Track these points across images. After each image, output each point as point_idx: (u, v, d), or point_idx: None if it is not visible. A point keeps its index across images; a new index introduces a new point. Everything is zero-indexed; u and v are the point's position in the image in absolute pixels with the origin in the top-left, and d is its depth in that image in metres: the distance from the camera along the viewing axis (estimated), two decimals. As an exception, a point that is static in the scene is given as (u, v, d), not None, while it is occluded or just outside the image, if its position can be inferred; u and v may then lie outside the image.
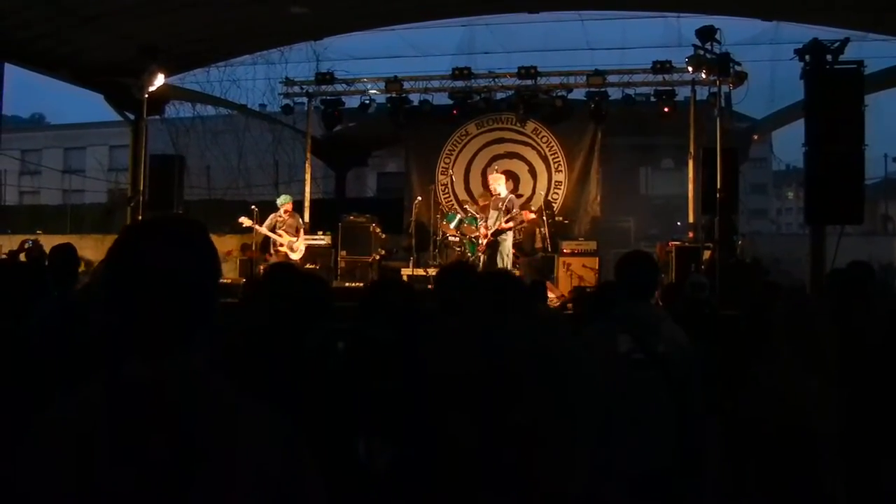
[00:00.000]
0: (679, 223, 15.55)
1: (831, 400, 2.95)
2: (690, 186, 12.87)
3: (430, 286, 7.01)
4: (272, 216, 11.07)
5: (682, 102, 13.29)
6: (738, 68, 11.02)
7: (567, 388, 2.37)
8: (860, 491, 3.15)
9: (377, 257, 12.33)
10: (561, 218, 12.86)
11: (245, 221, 10.81)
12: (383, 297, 3.11)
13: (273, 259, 11.03)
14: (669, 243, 11.47)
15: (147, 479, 1.18)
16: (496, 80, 13.65)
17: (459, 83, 13.53)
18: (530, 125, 13.84)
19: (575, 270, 11.31)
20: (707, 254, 10.43)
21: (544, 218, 11.68)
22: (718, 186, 9.47)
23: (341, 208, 14.11)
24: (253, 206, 11.38)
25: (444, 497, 2.22)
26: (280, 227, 11.00)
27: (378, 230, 12.59)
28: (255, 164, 20.05)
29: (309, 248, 11.52)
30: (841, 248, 7.99)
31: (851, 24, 10.42)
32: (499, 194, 10.67)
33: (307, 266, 10.88)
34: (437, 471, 2.26)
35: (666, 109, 12.89)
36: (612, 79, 13.00)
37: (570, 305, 6.72)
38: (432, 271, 10.42)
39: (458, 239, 11.44)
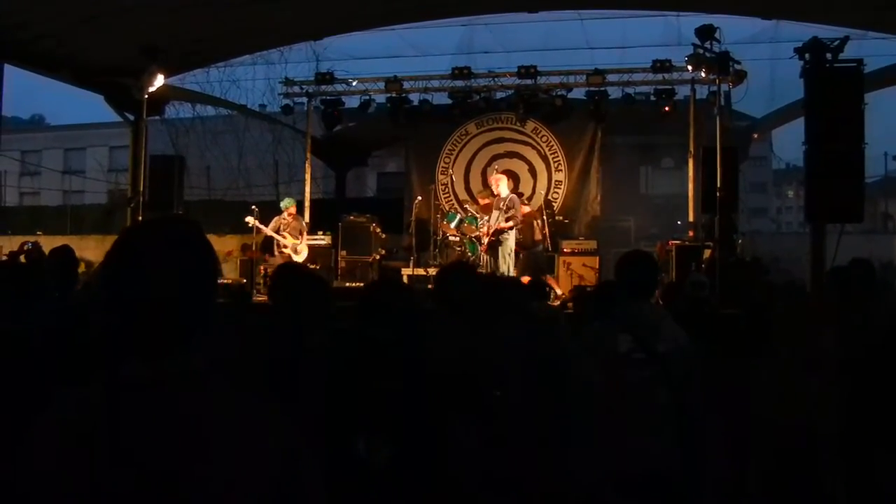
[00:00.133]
0: (679, 222, 15.54)
1: (831, 400, 2.95)
2: (690, 185, 12.87)
3: (430, 286, 7.02)
4: (276, 219, 11.17)
5: (682, 101, 13.29)
6: (737, 67, 11.02)
7: (566, 388, 2.37)
8: (860, 491, 3.15)
9: (377, 257, 12.34)
10: (561, 217, 12.85)
11: (251, 221, 10.87)
12: (383, 297, 3.11)
13: (277, 260, 11.11)
14: (669, 242, 11.46)
15: (147, 479, 1.18)
16: (496, 79, 13.64)
17: (459, 83, 13.52)
18: (530, 124, 13.84)
19: (575, 270, 11.31)
20: (707, 253, 10.44)
21: (544, 217, 11.68)
22: (718, 185, 9.48)
23: (341, 208, 14.11)
24: (253, 207, 11.41)
25: (444, 497, 2.23)
26: (284, 230, 11.10)
27: (378, 230, 12.60)
28: (255, 164, 20.05)
29: (310, 249, 11.56)
30: (841, 246, 7.98)
31: (851, 23, 10.40)
32: (500, 195, 10.69)
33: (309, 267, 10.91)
34: (437, 470, 2.26)
35: (666, 108, 12.88)
36: (611, 78, 12.99)
37: (570, 305, 6.72)
38: (432, 271, 10.43)
39: (458, 239, 11.44)
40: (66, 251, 4.42)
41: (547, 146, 13.79)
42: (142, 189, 11.66)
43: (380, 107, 14.35)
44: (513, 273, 9.89)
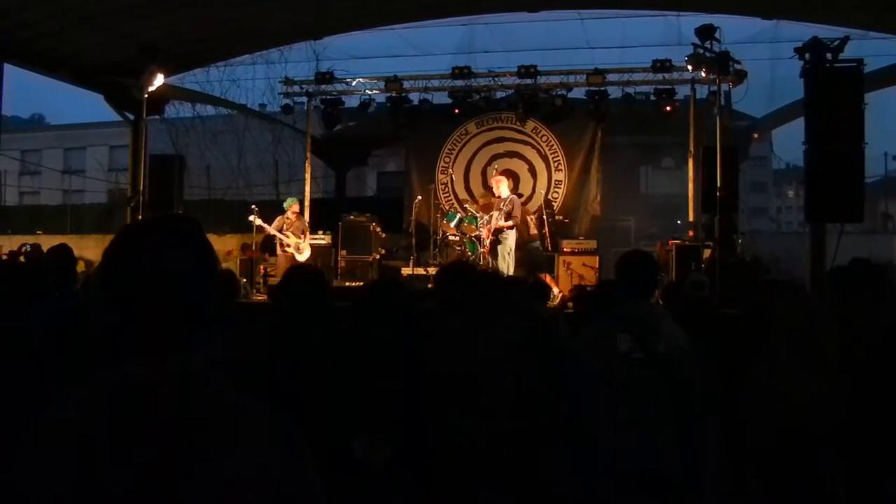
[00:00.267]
0: (679, 222, 15.56)
1: (831, 400, 2.94)
2: (690, 185, 12.87)
3: (430, 286, 7.01)
4: (279, 218, 11.18)
5: (682, 101, 13.29)
6: (737, 67, 11.03)
7: (566, 388, 2.37)
8: (860, 491, 3.15)
9: (377, 257, 12.34)
10: (561, 217, 12.86)
11: (255, 220, 10.87)
12: (382, 297, 3.11)
13: (279, 259, 11.12)
14: (669, 242, 11.47)
15: (147, 479, 1.18)
16: (496, 79, 13.64)
17: (459, 82, 13.51)
18: (530, 124, 13.83)
19: (575, 269, 11.31)
20: (707, 252, 10.44)
21: (543, 216, 11.68)
22: (718, 185, 9.48)
23: (341, 208, 14.12)
24: (253, 206, 11.42)
25: (444, 497, 2.23)
26: (287, 229, 11.12)
27: (378, 229, 12.60)
28: (255, 163, 20.05)
29: (312, 248, 11.57)
30: (841, 246, 7.99)
31: (851, 23, 10.41)
32: (500, 196, 10.71)
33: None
34: (436, 470, 2.26)
35: (666, 108, 12.88)
36: (611, 77, 12.98)
37: (570, 304, 6.72)
38: (432, 271, 10.43)
39: (458, 238, 11.44)
40: (63, 250, 4.41)
41: (547, 146, 13.79)
42: (142, 188, 11.67)
43: (380, 106, 14.35)
44: (513, 272, 9.90)
